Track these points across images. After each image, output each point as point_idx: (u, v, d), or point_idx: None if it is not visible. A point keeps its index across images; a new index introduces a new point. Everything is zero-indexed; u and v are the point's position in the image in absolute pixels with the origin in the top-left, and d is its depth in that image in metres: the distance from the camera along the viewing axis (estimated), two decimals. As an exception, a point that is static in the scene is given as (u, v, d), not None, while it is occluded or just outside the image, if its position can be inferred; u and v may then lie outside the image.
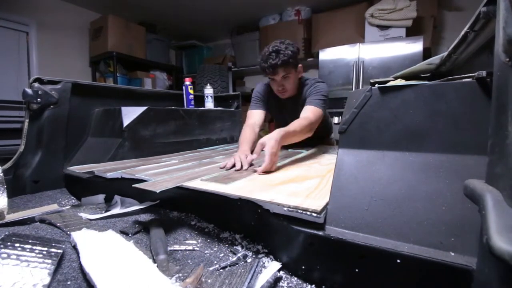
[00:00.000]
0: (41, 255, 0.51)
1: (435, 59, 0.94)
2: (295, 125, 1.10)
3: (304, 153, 1.29)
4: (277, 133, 0.96)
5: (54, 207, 0.88)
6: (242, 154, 1.01)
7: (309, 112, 1.22)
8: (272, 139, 0.92)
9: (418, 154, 0.54)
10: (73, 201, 1.01)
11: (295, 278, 0.52)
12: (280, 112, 1.50)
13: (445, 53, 0.87)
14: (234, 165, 0.95)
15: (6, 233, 0.58)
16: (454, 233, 0.43)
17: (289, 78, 1.27)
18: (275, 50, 1.19)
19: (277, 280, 0.51)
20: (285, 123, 1.16)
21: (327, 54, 2.94)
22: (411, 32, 2.68)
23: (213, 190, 0.68)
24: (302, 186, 0.69)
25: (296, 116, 1.23)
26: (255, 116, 1.39)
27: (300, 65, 1.30)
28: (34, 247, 0.53)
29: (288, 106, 1.43)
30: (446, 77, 0.67)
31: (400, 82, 0.78)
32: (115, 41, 3.35)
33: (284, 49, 1.19)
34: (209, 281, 0.47)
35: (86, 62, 3.68)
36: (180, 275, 0.50)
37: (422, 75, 1.12)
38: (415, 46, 2.54)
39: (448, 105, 0.52)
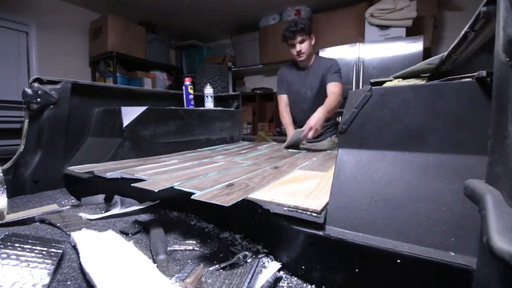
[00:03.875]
0: (41, 255, 0.51)
1: (435, 59, 0.94)
2: (329, 101, 1.59)
3: (304, 153, 1.29)
4: (319, 113, 1.48)
5: (54, 207, 0.88)
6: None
7: (334, 88, 1.68)
8: (313, 118, 1.46)
9: (418, 154, 0.54)
10: (73, 201, 1.01)
11: (295, 278, 0.52)
12: (300, 85, 1.85)
13: (445, 53, 0.87)
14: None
15: (6, 233, 0.58)
16: (454, 233, 0.43)
17: (305, 42, 1.70)
18: (293, 21, 1.69)
19: (277, 280, 0.51)
20: (304, 97, 1.80)
21: (327, 54, 2.94)
22: (411, 32, 2.67)
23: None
24: (302, 186, 0.69)
25: (313, 85, 1.77)
26: (284, 99, 1.90)
27: (312, 34, 1.75)
28: (34, 247, 0.53)
29: (307, 78, 1.82)
30: (446, 77, 0.67)
31: (400, 82, 0.78)
32: (115, 41, 3.35)
33: (300, 20, 1.70)
34: (209, 281, 0.47)
35: (86, 62, 3.67)
36: (180, 275, 0.50)
37: (422, 75, 1.12)
38: (415, 46, 2.54)
39: (448, 105, 0.52)
